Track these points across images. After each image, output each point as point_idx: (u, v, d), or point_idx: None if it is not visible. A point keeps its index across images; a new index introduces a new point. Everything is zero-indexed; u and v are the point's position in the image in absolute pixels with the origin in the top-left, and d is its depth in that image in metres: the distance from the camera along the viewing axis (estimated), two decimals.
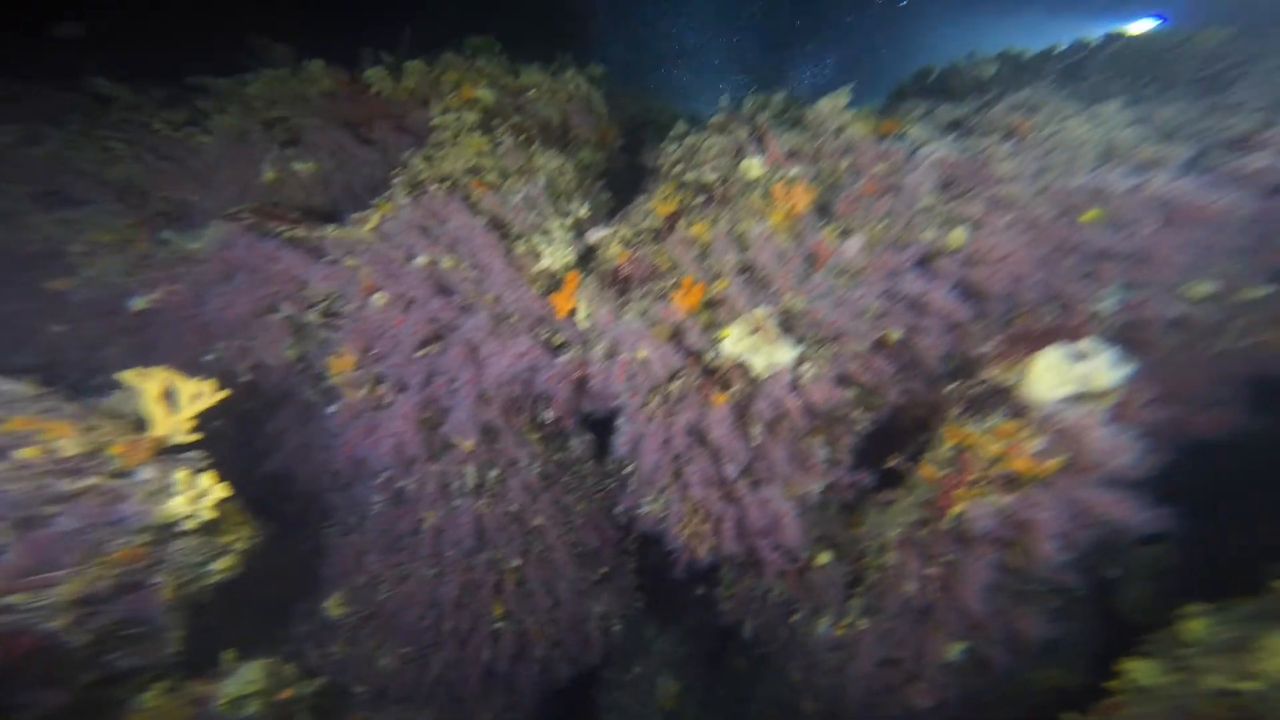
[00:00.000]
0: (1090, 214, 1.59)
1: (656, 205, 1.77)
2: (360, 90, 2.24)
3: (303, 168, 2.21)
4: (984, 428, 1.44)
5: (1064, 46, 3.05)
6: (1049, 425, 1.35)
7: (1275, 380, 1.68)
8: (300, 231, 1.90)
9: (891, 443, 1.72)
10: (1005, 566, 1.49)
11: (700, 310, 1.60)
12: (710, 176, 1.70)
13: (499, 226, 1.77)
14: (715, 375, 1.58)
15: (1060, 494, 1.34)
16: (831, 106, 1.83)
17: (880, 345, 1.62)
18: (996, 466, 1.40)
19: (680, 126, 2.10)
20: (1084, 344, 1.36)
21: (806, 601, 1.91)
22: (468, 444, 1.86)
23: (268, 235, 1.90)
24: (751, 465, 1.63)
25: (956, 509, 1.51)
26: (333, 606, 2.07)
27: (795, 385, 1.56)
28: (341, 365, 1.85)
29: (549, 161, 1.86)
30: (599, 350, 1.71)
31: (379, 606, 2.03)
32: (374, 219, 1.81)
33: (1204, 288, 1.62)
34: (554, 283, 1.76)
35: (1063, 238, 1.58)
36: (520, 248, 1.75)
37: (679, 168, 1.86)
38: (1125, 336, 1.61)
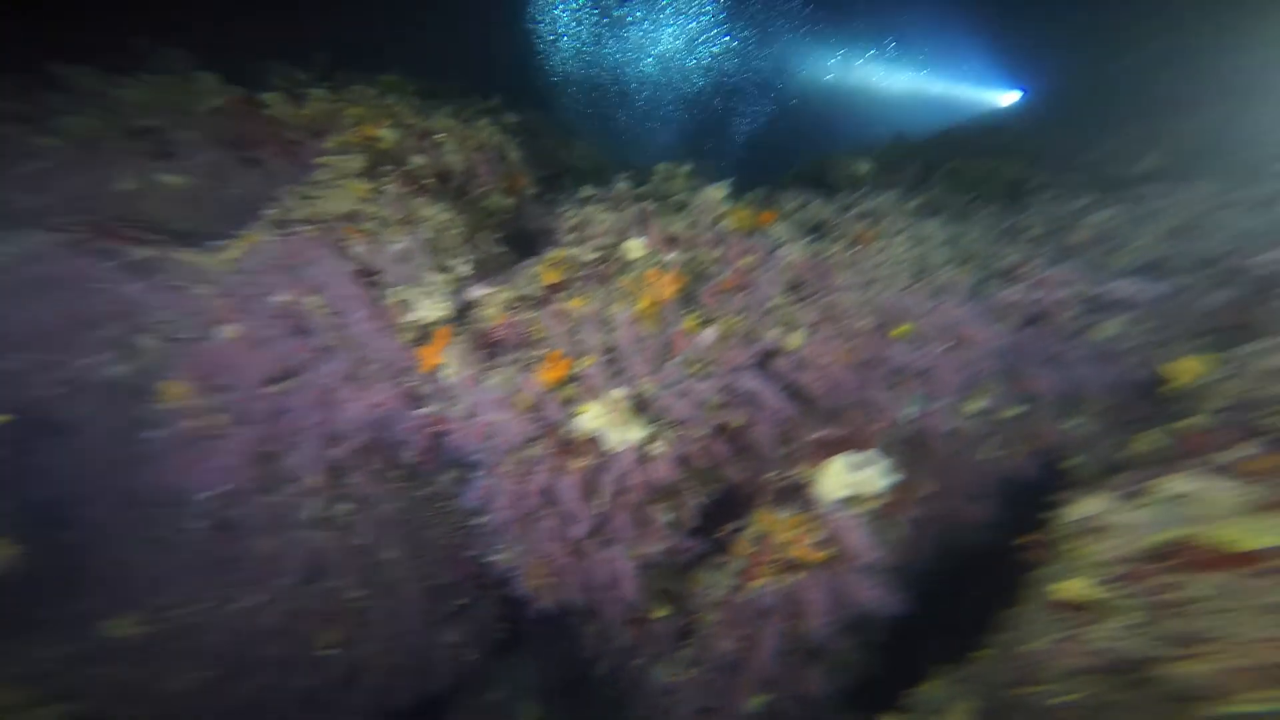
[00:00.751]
0: (900, 329, 1.90)
1: (543, 272, 1.83)
2: (254, 110, 2.10)
3: (170, 180, 2.02)
4: (781, 517, 1.66)
5: (930, 137, 3.71)
6: (826, 521, 1.60)
7: (1021, 483, 2.10)
8: (147, 252, 1.76)
9: (731, 512, 1.90)
10: (791, 634, 1.72)
11: (563, 384, 1.67)
12: (590, 256, 1.78)
13: (370, 275, 1.75)
14: (570, 446, 1.66)
15: (827, 579, 1.59)
16: (713, 196, 2.00)
17: (722, 430, 1.78)
18: (785, 551, 1.62)
19: (586, 189, 2.17)
20: (864, 454, 1.63)
21: (647, 649, 2.05)
22: (312, 480, 1.82)
23: (99, 252, 1.73)
24: (598, 528, 1.73)
25: (757, 583, 1.71)
26: (118, 627, 1.87)
27: (643, 461, 1.68)
28: (175, 392, 1.75)
29: (438, 214, 1.86)
30: (459, 409, 1.74)
31: (181, 629, 1.89)
32: (235, 250, 1.74)
33: (976, 404, 2.01)
34: (424, 336, 1.76)
35: (877, 350, 1.87)
36: (391, 298, 1.74)
37: (572, 236, 1.93)
38: (916, 441, 1.94)
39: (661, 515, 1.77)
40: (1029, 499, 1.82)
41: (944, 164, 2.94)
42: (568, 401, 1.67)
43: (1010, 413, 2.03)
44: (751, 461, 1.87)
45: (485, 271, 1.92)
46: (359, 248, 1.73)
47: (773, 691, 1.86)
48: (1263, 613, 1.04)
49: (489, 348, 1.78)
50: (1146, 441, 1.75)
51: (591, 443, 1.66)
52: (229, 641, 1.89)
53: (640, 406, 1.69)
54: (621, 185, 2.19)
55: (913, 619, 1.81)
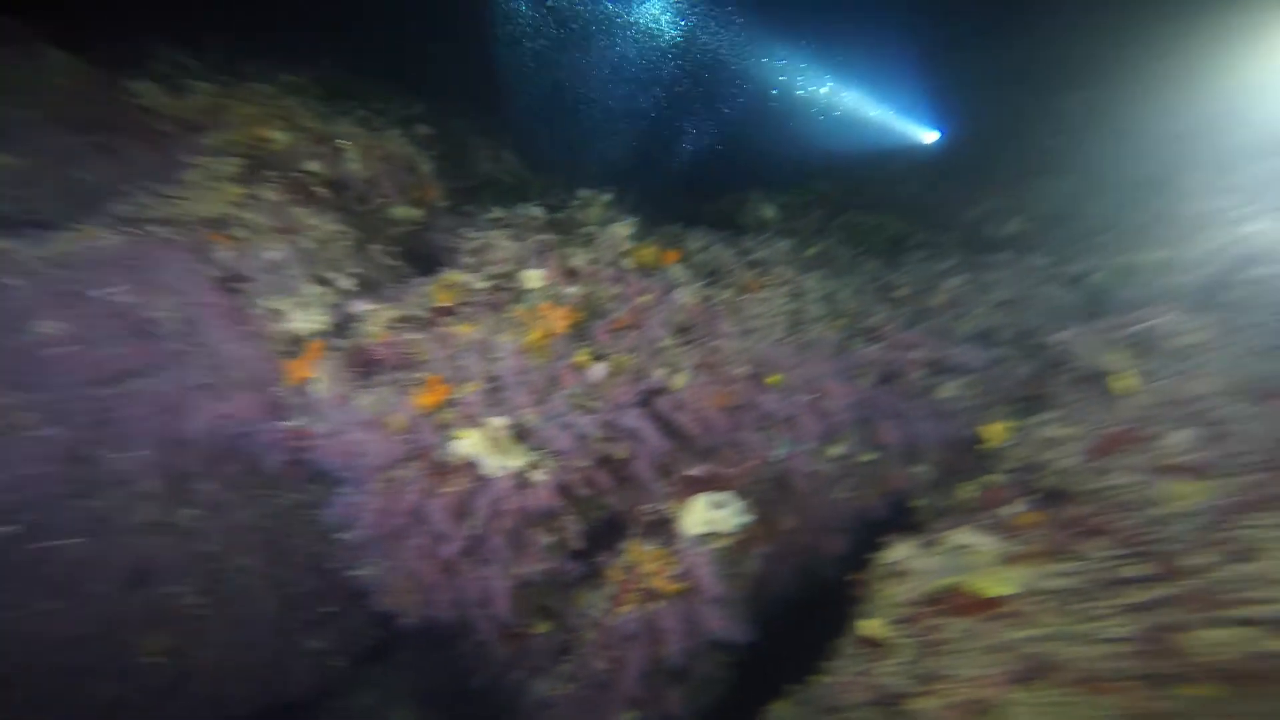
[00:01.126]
0: (773, 379, 2.09)
1: (435, 293, 1.81)
2: (118, 95, 1.92)
3: None
4: (647, 549, 1.77)
5: (844, 177, 4.06)
6: (683, 556, 1.73)
7: (873, 521, 2.35)
8: None
9: (612, 538, 1.98)
10: (653, 658, 1.85)
11: (440, 409, 1.66)
12: (482, 284, 1.78)
13: (235, 282, 1.67)
14: (444, 469, 1.67)
15: (681, 609, 1.72)
16: (619, 233, 2.07)
17: (604, 462, 1.85)
18: (649, 581, 1.74)
19: (496, 210, 2.15)
20: (723, 495, 1.79)
21: (526, 663, 2.09)
22: (148, 485, 1.70)
23: None
24: (471, 548, 1.74)
25: (624, 609, 1.82)
26: None
27: (521, 487, 1.71)
28: None
29: (325, 224, 1.79)
30: (326, 425, 1.69)
31: None
32: (67, 243, 1.59)
33: (835, 450, 2.26)
34: (295, 348, 1.70)
35: (750, 396, 2.04)
36: (261, 308, 1.66)
37: (471, 259, 1.92)
38: (782, 480, 2.15)
39: (542, 538, 1.81)
40: (878, 535, 2.10)
41: (843, 213, 3.23)
42: (444, 426, 1.66)
43: (865, 458, 2.30)
44: (631, 492, 1.94)
45: (374, 287, 1.87)
46: (224, 254, 1.64)
47: (640, 710, 1.96)
48: (986, 653, 1.29)
49: (366, 365, 1.73)
50: (963, 493, 2.07)
51: (467, 467, 1.66)
52: (19, 649, 1.71)
53: (521, 435, 1.71)
54: (534, 211, 2.20)
55: (774, 642, 2.01)
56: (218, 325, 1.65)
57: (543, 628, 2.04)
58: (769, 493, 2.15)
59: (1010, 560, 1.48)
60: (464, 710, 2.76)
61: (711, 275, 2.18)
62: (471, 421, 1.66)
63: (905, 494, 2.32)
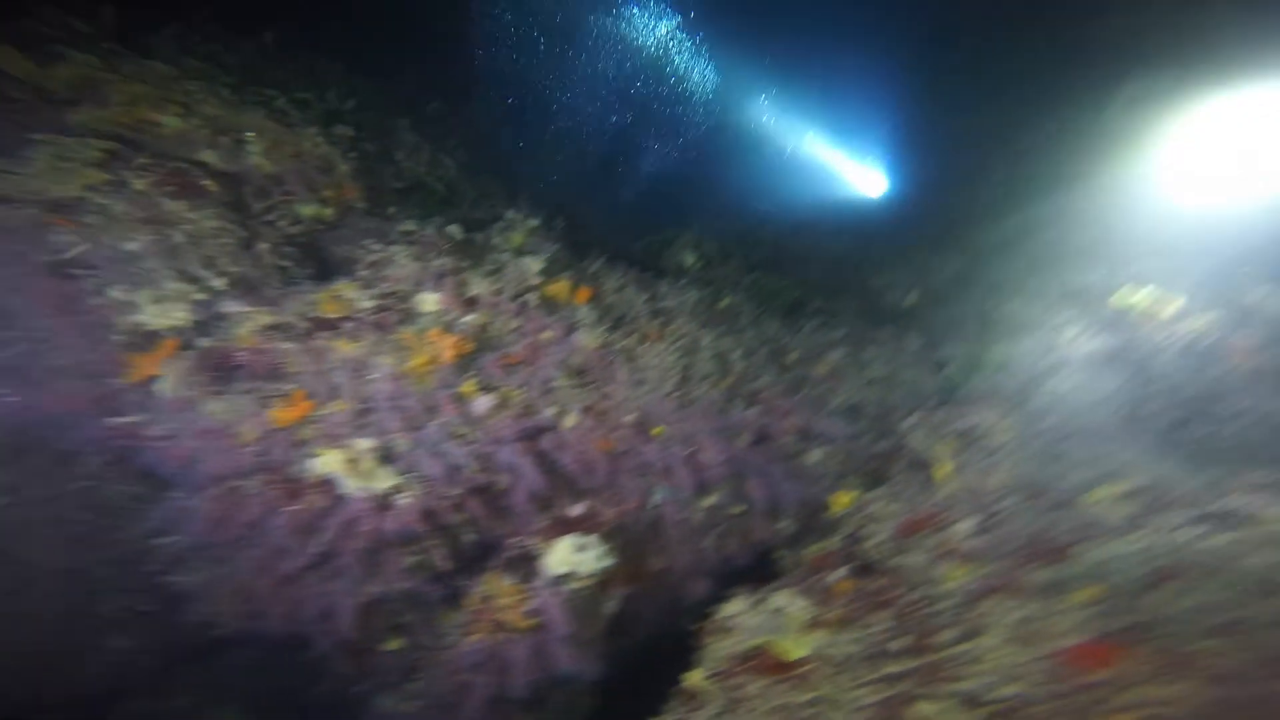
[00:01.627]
0: (656, 430, 2.23)
1: (322, 303, 1.74)
2: None
3: None
4: (505, 582, 1.81)
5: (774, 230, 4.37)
6: (538, 594, 1.79)
7: (736, 568, 2.59)
8: None
9: (478, 565, 1.99)
10: (498, 687, 1.87)
11: (300, 425, 1.61)
12: (370, 303, 1.74)
13: (75, 269, 1.55)
14: (297, 486, 1.61)
15: (530, 644, 1.77)
16: (530, 267, 2.11)
17: (478, 492, 1.87)
18: (502, 614, 1.78)
19: (408, 224, 2.10)
20: (588, 538, 1.88)
21: (370, 679, 2.05)
22: None
23: None
24: (317, 564, 1.70)
25: (474, 637, 1.84)
26: None
27: (382, 509, 1.68)
28: None
29: (203, 218, 1.69)
30: (162, 426, 1.60)
31: None
32: None
33: (708, 500, 2.45)
34: (144, 343, 1.59)
35: (633, 443, 2.15)
36: (105, 298, 1.55)
37: (367, 272, 1.87)
38: (656, 525, 2.29)
39: (403, 559, 1.80)
40: (740, 585, 2.28)
41: (760, 268, 3.49)
42: (302, 443, 1.61)
43: (734, 510, 2.51)
44: (502, 525, 1.97)
45: (255, 288, 1.77)
46: (65, 238, 1.52)
47: None
48: (768, 714, 1.46)
49: (224, 370, 1.65)
50: (808, 553, 2.32)
51: (323, 485, 1.62)
52: None
53: (389, 459, 1.69)
54: (450, 229, 2.17)
55: (636, 679, 2.07)
56: (42, 312, 1.52)
57: (394, 644, 2.01)
58: (641, 536, 2.27)
59: (814, 625, 1.68)
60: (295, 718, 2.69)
61: (618, 319, 2.28)
62: (333, 441, 1.62)
63: (769, 546, 2.55)
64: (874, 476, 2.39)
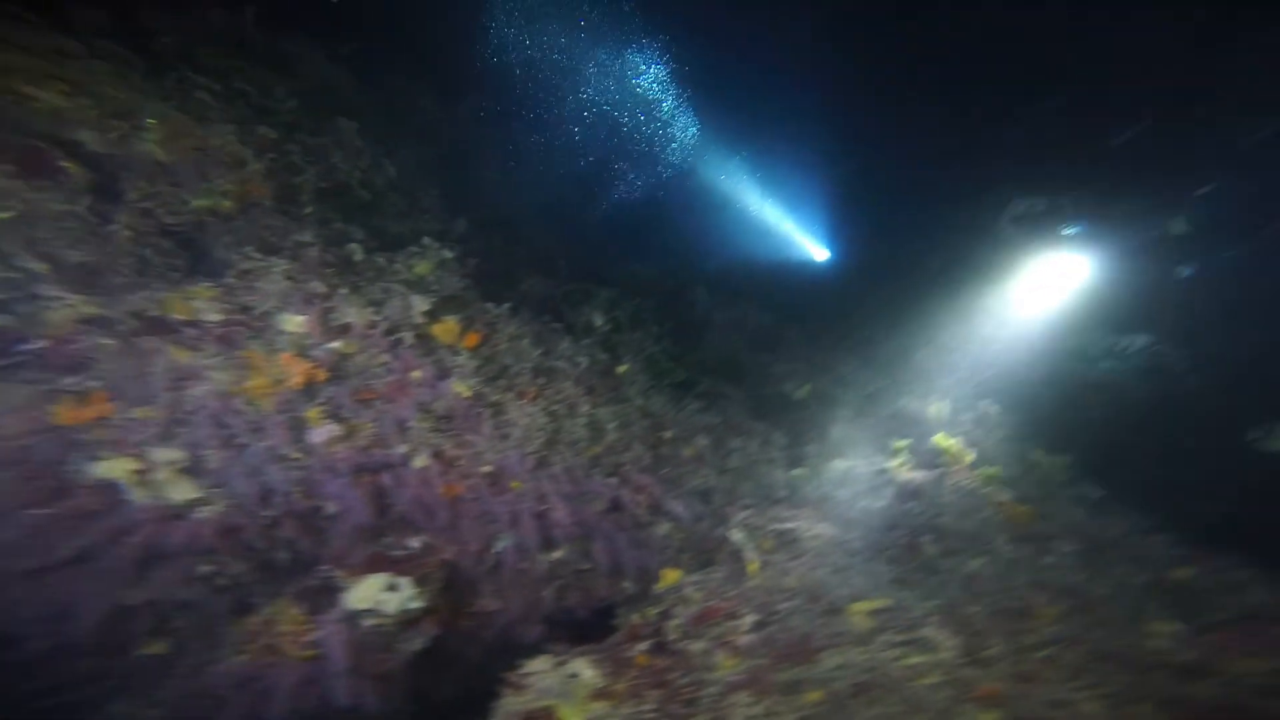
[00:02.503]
0: (515, 484, 2.35)
1: (172, 303, 1.65)
2: None
3: None
4: (294, 610, 1.80)
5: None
6: (326, 627, 1.77)
7: (575, 620, 2.76)
8: None
9: (278, 587, 1.96)
10: (257, 711, 1.81)
11: (90, 426, 1.52)
12: (219, 316, 1.71)
13: None
14: (66, 486, 1.52)
15: (302, 674, 1.75)
16: (416, 305, 2.16)
17: (297, 517, 1.86)
18: (279, 639, 1.76)
19: (306, 234, 2.08)
20: (399, 580, 1.93)
21: (114, 679, 1.91)
22: None
23: None
24: (69, 565, 1.60)
25: (243, 657, 1.80)
26: None
27: (172, 519, 1.61)
28: None
29: (48, 200, 1.62)
30: None
31: None
32: None
33: (553, 554, 2.59)
34: None
35: (485, 494, 2.26)
36: None
37: (236, 281, 1.83)
38: (495, 568, 2.38)
39: (192, 569, 1.74)
40: (580, 634, 2.43)
41: (666, 338, 3.77)
42: (88, 445, 1.54)
43: (579, 567, 2.67)
44: (319, 552, 1.95)
45: (93, 276, 1.68)
46: None
47: None
48: None
49: (13, 357, 1.55)
50: (633, 619, 2.51)
51: (100, 489, 1.55)
52: None
53: (194, 473, 1.66)
54: (352, 248, 2.17)
55: (446, 714, 2.11)
56: None
57: (156, 648, 1.89)
58: (474, 579, 2.34)
59: (599, 695, 1.84)
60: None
61: (500, 371, 2.36)
62: (124, 448, 1.56)
63: (611, 603, 2.72)
64: (703, 559, 2.64)
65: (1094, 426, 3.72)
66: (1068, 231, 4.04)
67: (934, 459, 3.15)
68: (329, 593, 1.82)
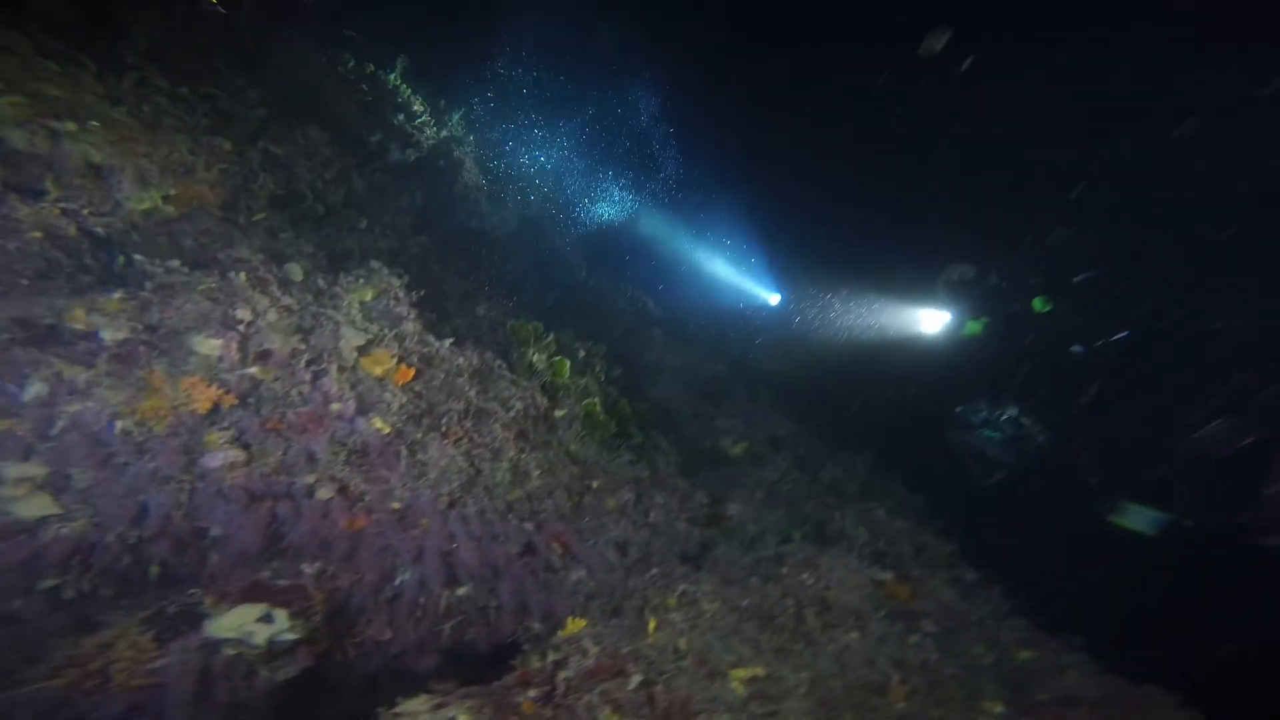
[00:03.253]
0: (423, 522, 2.36)
1: (71, 312, 1.60)
2: None
3: None
4: (138, 634, 1.65)
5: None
6: (172, 653, 1.65)
7: (475, 654, 2.76)
8: None
9: (134, 608, 1.85)
10: None
11: None
12: (122, 334, 1.63)
13: None
14: None
15: (128, 701, 1.60)
16: (349, 341, 2.16)
17: (184, 538, 1.80)
18: (110, 664, 1.61)
19: (242, 249, 2.04)
20: (276, 611, 1.87)
21: None
22: None
23: None
24: None
25: (55, 682, 1.64)
26: None
27: (23, 533, 1.51)
28: None
29: None
30: None
31: None
32: None
33: (459, 591, 2.60)
34: None
35: (388, 530, 2.23)
36: None
37: (151, 295, 1.73)
38: (393, 600, 2.37)
39: (29, 583, 1.60)
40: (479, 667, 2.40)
41: (613, 384, 3.90)
42: None
43: (484, 604, 2.67)
44: (193, 576, 1.86)
45: None
46: None
47: None
48: None
49: None
50: (528, 663, 2.54)
51: None
52: None
53: (58, 489, 1.56)
54: (291, 269, 2.15)
55: None
56: None
57: None
58: (364, 608, 2.30)
59: None
60: None
61: (428, 409, 2.39)
62: None
63: (514, 641, 2.72)
64: (609, 610, 2.72)
65: (972, 502, 4.01)
66: (988, 298, 4.40)
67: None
68: (189, 619, 1.72)
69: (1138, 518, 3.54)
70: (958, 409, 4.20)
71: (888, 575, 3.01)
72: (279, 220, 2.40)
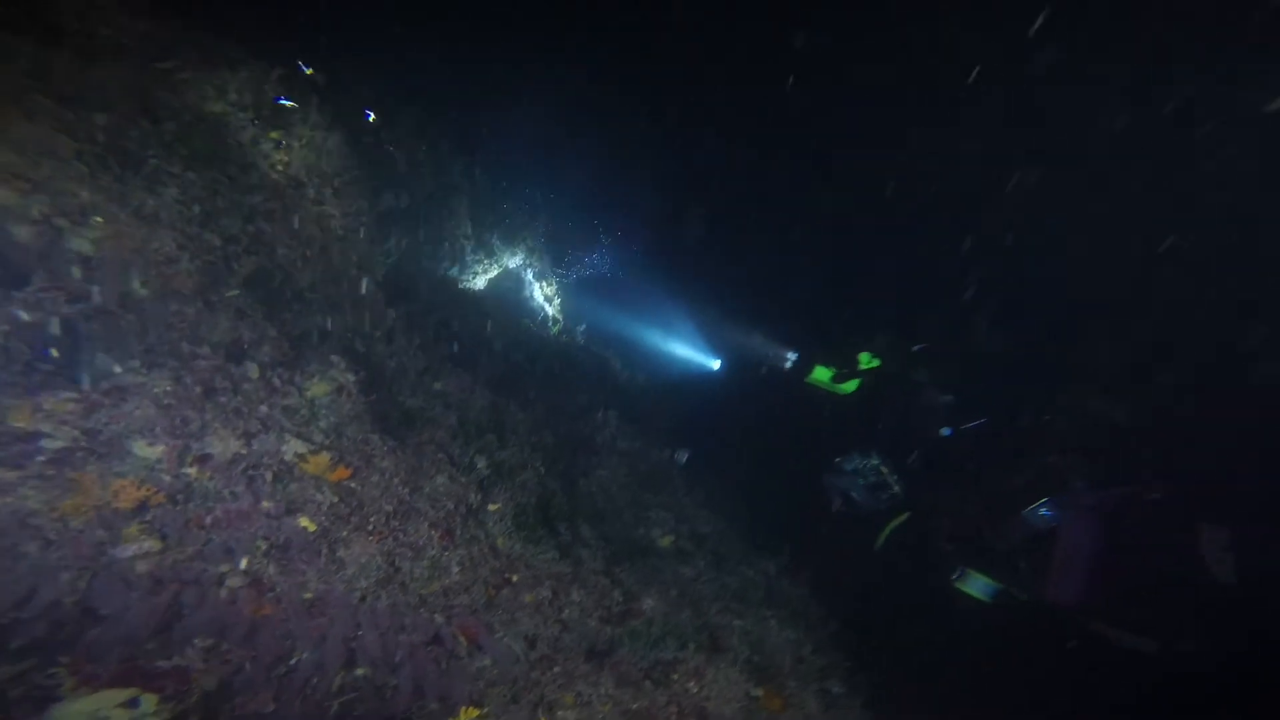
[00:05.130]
0: (307, 596, 2.43)
1: (18, 412, 1.63)
2: None
3: None
4: None
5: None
6: None
7: None
8: None
9: None
10: None
11: None
12: (60, 441, 1.66)
13: None
14: None
15: None
16: (292, 446, 2.25)
17: (66, 622, 1.76)
18: None
19: (206, 346, 2.12)
20: (149, 698, 1.77)
21: None
22: None
23: None
24: None
25: None
26: None
27: None
28: None
29: None
30: None
31: None
32: None
33: (356, 672, 2.64)
34: None
35: (296, 618, 2.29)
36: None
37: (103, 398, 1.77)
38: (283, 678, 2.36)
39: None
40: None
41: (550, 479, 4.03)
42: None
43: (380, 684, 2.69)
44: (67, 659, 1.76)
45: None
46: None
47: None
48: None
49: None
50: None
51: None
52: None
53: None
54: (250, 368, 2.24)
55: None
56: None
57: None
58: (250, 686, 2.27)
59: None
60: None
61: (356, 507, 2.46)
62: None
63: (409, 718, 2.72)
64: (508, 699, 2.78)
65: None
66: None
67: None
68: (34, 702, 1.66)
69: (975, 584, 3.94)
70: (837, 459, 4.76)
71: (761, 691, 3.20)
72: (249, 300, 2.48)
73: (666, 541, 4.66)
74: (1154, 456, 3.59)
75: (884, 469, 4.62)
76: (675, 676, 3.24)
